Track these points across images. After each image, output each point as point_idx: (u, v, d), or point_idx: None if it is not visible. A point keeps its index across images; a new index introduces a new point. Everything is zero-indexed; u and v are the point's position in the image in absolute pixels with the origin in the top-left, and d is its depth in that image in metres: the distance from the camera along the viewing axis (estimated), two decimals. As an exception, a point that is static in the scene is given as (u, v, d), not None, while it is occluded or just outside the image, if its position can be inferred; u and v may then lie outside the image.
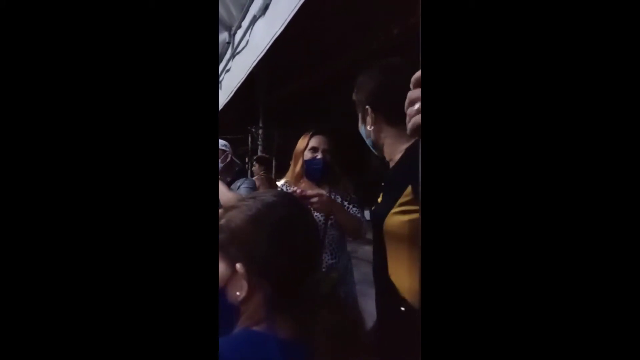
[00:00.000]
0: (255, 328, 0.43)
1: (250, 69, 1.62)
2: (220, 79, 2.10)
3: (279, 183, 1.40)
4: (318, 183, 1.24)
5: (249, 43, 1.59)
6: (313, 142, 1.22)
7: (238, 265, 0.44)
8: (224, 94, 2.09)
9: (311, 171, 1.22)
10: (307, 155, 1.22)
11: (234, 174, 1.75)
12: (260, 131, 3.55)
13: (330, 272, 0.47)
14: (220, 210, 0.49)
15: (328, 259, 1.19)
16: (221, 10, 1.75)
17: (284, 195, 0.51)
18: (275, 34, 1.26)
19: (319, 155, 1.20)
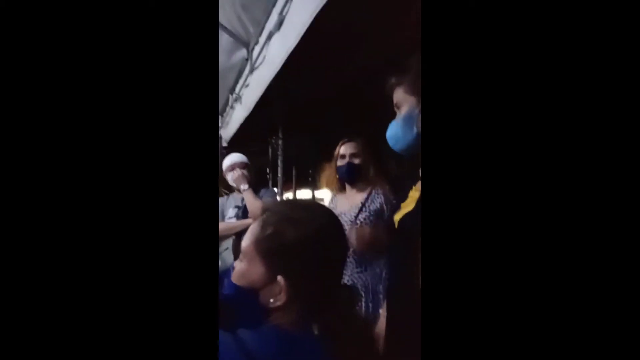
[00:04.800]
0: (284, 326, 0.46)
1: (268, 83, 1.67)
2: (240, 94, 2.17)
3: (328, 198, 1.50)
4: (351, 184, 1.36)
5: (265, 58, 1.65)
6: (342, 149, 1.37)
7: (279, 277, 0.46)
8: (244, 109, 2.16)
9: (341, 175, 1.37)
10: (339, 162, 1.37)
11: (256, 185, 1.80)
12: (280, 142, 3.62)
13: (350, 293, 0.49)
14: (264, 216, 0.52)
15: (353, 268, 1.20)
16: (238, 28, 1.82)
17: (322, 209, 0.54)
18: (290, 47, 1.31)
19: (346, 160, 1.33)
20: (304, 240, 0.48)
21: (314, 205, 0.54)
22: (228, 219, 1.73)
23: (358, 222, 1.24)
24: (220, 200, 1.86)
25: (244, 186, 1.69)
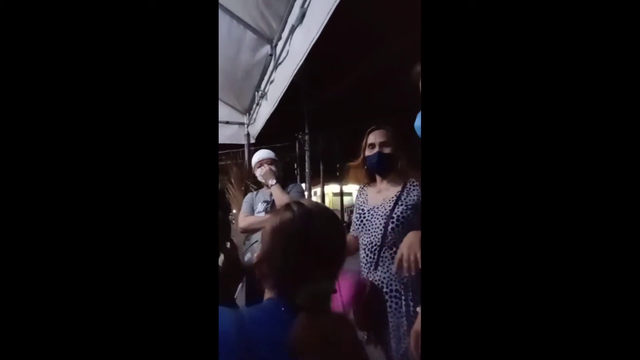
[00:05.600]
0: (275, 300, 0.53)
1: (292, 77, 1.68)
2: (266, 90, 2.20)
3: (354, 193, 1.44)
4: (382, 175, 1.25)
5: (289, 52, 1.66)
6: (370, 138, 1.25)
7: (255, 254, 0.56)
8: (269, 105, 2.18)
9: (370, 166, 1.25)
10: (367, 152, 1.25)
11: (282, 181, 1.82)
12: (306, 137, 3.65)
13: (323, 286, 0.50)
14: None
15: (390, 264, 1.15)
16: (262, 25, 1.84)
17: (315, 213, 0.55)
18: (312, 39, 1.30)
19: (376, 149, 1.22)
20: (281, 230, 0.53)
21: (313, 203, 0.58)
22: (257, 213, 1.77)
23: (394, 216, 1.13)
24: (250, 195, 1.90)
25: (272, 181, 1.72)
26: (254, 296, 1.64)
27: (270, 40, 1.92)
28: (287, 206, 0.56)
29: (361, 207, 1.27)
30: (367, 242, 1.19)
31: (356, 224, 1.25)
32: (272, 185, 1.72)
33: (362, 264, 1.21)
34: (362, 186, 1.34)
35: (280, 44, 1.78)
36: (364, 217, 1.22)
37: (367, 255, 1.18)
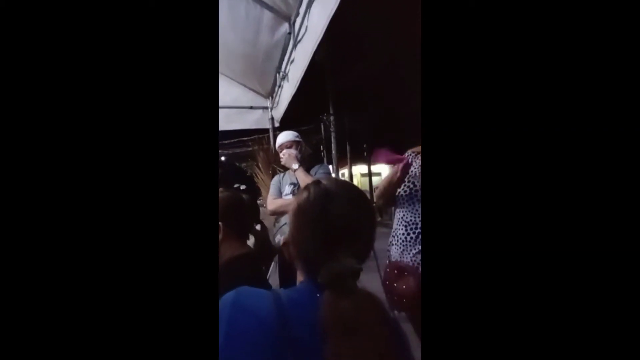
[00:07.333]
0: (310, 284, 0.51)
1: (312, 55, 1.63)
2: (286, 71, 2.16)
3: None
4: None
5: (308, 28, 1.61)
6: None
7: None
8: (291, 86, 2.15)
9: None
10: None
11: (309, 162, 1.81)
12: (331, 118, 3.59)
13: (353, 264, 0.47)
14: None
15: (416, 253, 1.14)
16: (279, 2, 1.79)
17: (334, 192, 0.53)
18: (331, 11, 1.24)
19: None
20: (300, 212, 0.52)
21: (333, 181, 0.56)
22: (285, 195, 1.78)
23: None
24: (277, 177, 1.91)
25: (295, 166, 1.71)
26: (287, 276, 1.67)
27: (288, 17, 1.87)
28: (306, 187, 0.55)
29: (412, 181, 1.18)
30: (411, 220, 1.16)
31: (403, 197, 1.19)
32: (294, 169, 1.72)
33: (399, 240, 1.18)
34: (415, 153, 1.20)
35: (298, 20, 1.72)
36: (417, 193, 1.15)
37: (407, 233, 1.16)
